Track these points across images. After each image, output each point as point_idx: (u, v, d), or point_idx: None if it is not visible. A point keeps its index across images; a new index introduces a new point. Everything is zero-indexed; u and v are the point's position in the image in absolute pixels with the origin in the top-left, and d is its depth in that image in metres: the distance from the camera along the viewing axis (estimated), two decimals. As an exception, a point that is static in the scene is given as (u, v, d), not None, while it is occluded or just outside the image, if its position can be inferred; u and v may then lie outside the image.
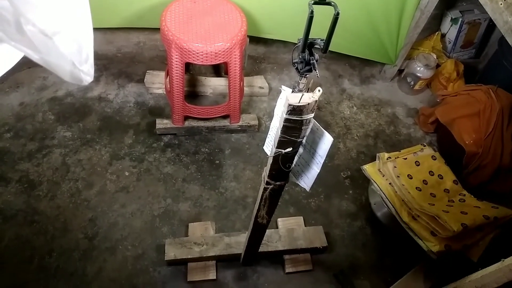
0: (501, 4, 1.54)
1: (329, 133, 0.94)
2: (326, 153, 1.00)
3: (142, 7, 2.06)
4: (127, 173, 1.85)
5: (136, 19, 2.13)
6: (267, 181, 1.10)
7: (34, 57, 0.55)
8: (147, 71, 2.17)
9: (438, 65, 2.34)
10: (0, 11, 0.48)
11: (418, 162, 1.78)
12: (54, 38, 0.53)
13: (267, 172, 1.09)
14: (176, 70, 1.69)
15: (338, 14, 0.74)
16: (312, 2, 0.75)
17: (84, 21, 0.58)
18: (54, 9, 0.52)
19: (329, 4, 0.77)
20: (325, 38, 0.83)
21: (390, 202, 1.65)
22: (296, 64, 0.89)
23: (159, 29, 1.67)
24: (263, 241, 1.50)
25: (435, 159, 1.80)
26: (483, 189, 1.91)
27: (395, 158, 1.77)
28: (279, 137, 0.96)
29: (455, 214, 1.52)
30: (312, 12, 0.74)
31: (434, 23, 2.42)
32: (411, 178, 1.71)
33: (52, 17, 0.52)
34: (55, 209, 1.70)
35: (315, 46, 0.86)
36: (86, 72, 0.61)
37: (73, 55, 0.57)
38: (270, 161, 1.06)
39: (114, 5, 2.05)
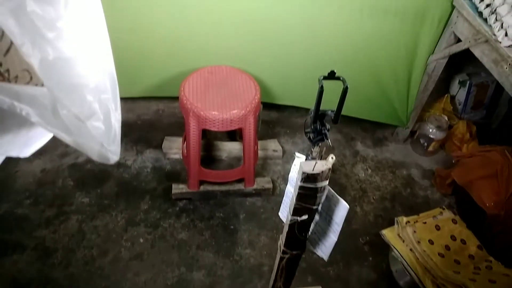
0: (506, 68, 1.59)
1: (345, 196, 0.94)
2: (343, 220, 0.99)
3: (162, 78, 2.19)
4: (141, 240, 1.84)
5: (157, 89, 2.26)
6: (283, 250, 1.08)
7: (67, 139, 0.59)
8: (165, 137, 2.25)
9: (450, 126, 2.36)
10: (40, 98, 0.53)
11: (439, 226, 1.72)
12: (87, 122, 0.58)
13: (283, 240, 1.07)
14: (193, 136, 1.75)
15: (347, 88, 0.78)
16: (322, 77, 0.80)
17: (115, 104, 0.63)
18: (87, 96, 0.57)
19: (338, 79, 0.81)
20: (335, 109, 0.86)
21: (412, 270, 1.58)
22: (308, 134, 0.92)
23: (177, 97, 1.76)
24: (280, 313, 1.43)
25: (455, 223, 1.74)
26: (510, 254, 1.81)
27: (414, 222, 1.72)
28: (294, 205, 0.96)
29: (482, 283, 1.44)
30: (322, 87, 0.78)
31: (443, 86, 2.49)
32: (433, 243, 1.65)
33: (85, 102, 0.57)
34: (68, 277, 1.68)
35: (326, 116, 0.89)
36: (113, 151, 0.64)
37: (102, 137, 0.61)
38: (285, 229, 1.05)
39: (136, 77, 2.19)
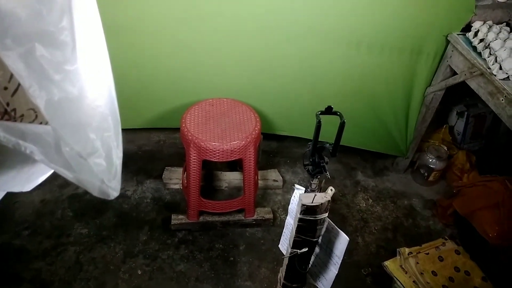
0: (502, 100, 1.62)
1: (346, 226, 0.94)
2: (343, 253, 0.99)
3: (164, 109, 2.23)
4: (139, 272, 1.81)
5: (158, 120, 2.29)
6: (283, 283, 1.07)
7: (69, 176, 0.61)
8: (166, 168, 2.25)
9: (450, 156, 2.36)
10: (44, 135, 0.55)
11: (442, 257, 1.70)
12: (88, 159, 0.59)
13: (283, 273, 1.06)
14: (194, 167, 1.76)
15: (344, 123, 0.80)
16: (319, 112, 0.82)
17: (116, 142, 0.65)
18: (90, 134, 0.59)
19: (335, 114, 0.83)
20: (333, 143, 0.88)
21: (416, 303, 1.54)
22: (307, 166, 0.93)
23: (178, 128, 1.79)
24: None
25: (459, 254, 1.72)
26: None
27: (417, 253, 1.70)
28: (294, 237, 0.96)
29: (489, 318, 1.40)
30: (319, 121, 0.80)
31: (441, 116, 2.51)
32: (436, 275, 1.63)
33: (88, 140, 0.59)
34: (64, 312, 1.64)
35: (325, 150, 0.91)
36: (114, 188, 0.66)
37: (103, 173, 0.62)
38: (285, 261, 1.04)
39: (138, 109, 2.22)
